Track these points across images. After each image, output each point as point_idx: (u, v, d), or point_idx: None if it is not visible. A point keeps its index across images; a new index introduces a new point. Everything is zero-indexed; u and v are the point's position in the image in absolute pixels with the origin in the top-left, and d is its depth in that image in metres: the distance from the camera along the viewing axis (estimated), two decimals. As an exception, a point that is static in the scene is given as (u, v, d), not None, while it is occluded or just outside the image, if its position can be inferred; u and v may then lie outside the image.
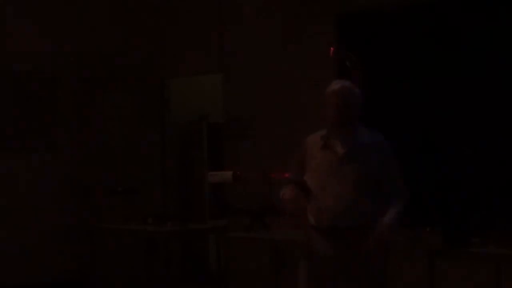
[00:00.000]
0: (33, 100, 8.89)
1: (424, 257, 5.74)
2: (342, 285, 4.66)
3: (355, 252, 4.62)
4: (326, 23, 7.41)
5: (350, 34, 7.22)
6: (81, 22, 8.93)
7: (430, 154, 6.75)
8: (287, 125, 7.65)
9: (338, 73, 7.04)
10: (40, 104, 8.91)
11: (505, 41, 6.43)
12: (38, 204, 8.76)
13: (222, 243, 7.37)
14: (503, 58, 6.46)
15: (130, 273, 8.56)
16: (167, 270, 8.23)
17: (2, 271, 8.48)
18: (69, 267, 8.81)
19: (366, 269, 4.63)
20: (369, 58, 6.69)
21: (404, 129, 6.90)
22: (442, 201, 6.44)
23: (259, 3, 8.04)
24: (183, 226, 7.37)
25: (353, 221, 4.61)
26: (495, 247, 5.46)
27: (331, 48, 6.75)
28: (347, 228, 4.61)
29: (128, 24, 8.94)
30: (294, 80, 7.65)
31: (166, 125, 9.03)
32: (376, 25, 7.10)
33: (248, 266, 7.75)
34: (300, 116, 7.53)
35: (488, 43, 6.49)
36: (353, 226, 4.61)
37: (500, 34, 6.45)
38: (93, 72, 8.99)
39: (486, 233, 5.58)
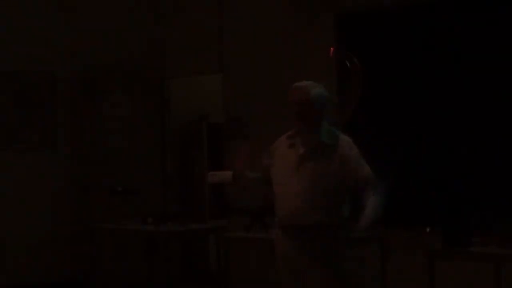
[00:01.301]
0: (33, 100, 8.88)
1: (424, 257, 5.74)
2: (303, 284, 4.68)
3: (314, 250, 4.65)
4: (326, 23, 7.41)
5: (350, 34, 7.22)
6: (81, 22, 8.92)
7: (430, 154, 6.75)
8: (287, 125, 7.63)
9: (338, 73, 7.05)
10: (40, 104, 8.90)
11: (505, 41, 6.43)
12: (38, 204, 8.76)
13: (222, 243, 7.36)
14: (503, 58, 6.46)
15: (130, 273, 8.56)
16: (167, 270, 8.22)
17: (2, 271, 8.48)
18: (69, 267, 8.80)
19: (325, 267, 4.65)
20: (369, 58, 6.69)
21: (404, 129, 6.90)
22: (442, 201, 6.44)
23: (259, 3, 8.04)
24: (183, 226, 7.36)
25: (309, 219, 4.64)
26: (495, 247, 5.47)
27: (331, 48, 6.75)
28: (305, 226, 4.65)
29: (128, 24, 8.94)
30: (294, 80, 7.62)
31: (166, 125, 9.03)
32: (376, 25, 7.10)
33: (248, 266, 7.75)
34: (300, 116, 7.51)
35: (488, 43, 6.49)
36: (311, 223, 4.64)
37: (500, 34, 6.45)
38: (93, 72, 8.98)
39: (486, 233, 5.58)
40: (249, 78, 8.03)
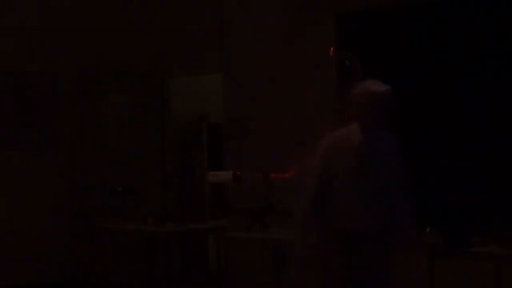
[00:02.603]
0: (33, 100, 8.88)
1: (424, 257, 5.74)
2: None
3: (378, 257, 4.50)
4: (326, 23, 7.41)
5: (350, 34, 7.22)
6: (82, 22, 8.93)
7: (430, 154, 6.75)
8: (287, 125, 7.65)
9: (338, 73, 7.05)
10: (40, 104, 8.90)
11: (505, 40, 6.43)
12: (38, 204, 8.76)
13: (222, 243, 7.37)
14: (503, 57, 6.46)
15: (130, 273, 8.56)
16: (167, 270, 8.22)
17: (2, 271, 8.48)
18: (69, 267, 8.81)
19: (379, 275, 4.53)
20: (369, 58, 6.69)
21: (404, 129, 6.89)
22: (442, 201, 6.44)
23: (260, 3, 8.04)
24: (183, 226, 7.37)
25: (377, 226, 4.48)
26: (495, 247, 5.47)
27: (331, 48, 6.75)
28: (371, 233, 4.47)
29: (128, 24, 8.94)
30: (294, 80, 7.65)
31: (166, 125, 9.03)
32: (376, 25, 7.10)
33: (248, 266, 7.75)
34: (300, 116, 7.53)
35: (488, 43, 6.49)
36: (377, 230, 4.48)
37: (500, 34, 6.45)
38: (93, 72, 8.98)
39: (486, 233, 5.58)
40: (249, 78, 8.02)
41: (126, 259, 8.60)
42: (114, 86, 9.03)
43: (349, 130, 4.66)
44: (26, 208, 8.70)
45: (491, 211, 6.24)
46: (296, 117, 7.56)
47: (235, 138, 8.14)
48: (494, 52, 6.48)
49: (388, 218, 4.51)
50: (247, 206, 6.87)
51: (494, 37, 6.48)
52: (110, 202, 8.43)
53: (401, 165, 4.66)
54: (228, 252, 7.03)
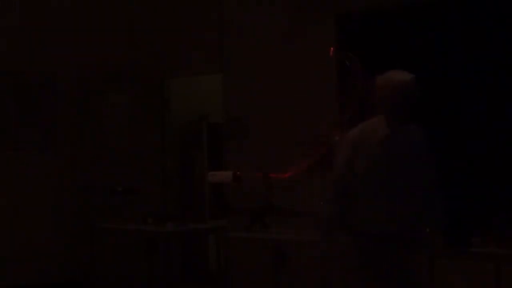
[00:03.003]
0: (33, 100, 8.88)
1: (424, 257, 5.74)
2: None
3: (402, 259, 4.30)
4: (326, 23, 7.41)
5: (350, 34, 7.22)
6: (81, 22, 8.92)
7: (429, 153, 6.74)
8: (287, 125, 7.65)
9: (338, 73, 7.05)
10: (40, 104, 8.90)
11: (505, 40, 6.43)
12: (38, 204, 8.76)
13: (222, 243, 7.37)
14: (503, 57, 6.46)
15: (130, 273, 8.56)
16: (167, 270, 8.22)
17: (2, 271, 8.48)
18: (69, 267, 8.81)
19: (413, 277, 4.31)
20: (369, 58, 6.68)
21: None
22: (442, 201, 6.43)
23: (259, 3, 8.04)
24: (183, 226, 7.36)
25: (404, 227, 4.25)
26: (495, 247, 5.47)
27: (331, 48, 6.75)
28: (397, 234, 4.26)
29: (128, 24, 8.94)
30: (294, 80, 7.65)
31: (166, 125, 9.03)
32: (376, 25, 7.10)
33: (248, 266, 7.75)
34: (301, 116, 7.53)
35: (488, 43, 6.49)
36: (403, 232, 4.26)
37: (500, 34, 6.45)
38: (93, 72, 8.98)
39: (486, 233, 5.57)
40: (249, 78, 8.02)
41: (126, 259, 8.59)
42: (114, 86, 9.03)
43: (373, 123, 4.43)
44: (26, 208, 8.69)
45: (491, 211, 6.24)
46: (296, 117, 7.56)
47: (235, 138, 8.14)
48: (494, 52, 6.48)
49: (416, 218, 4.30)
50: (247, 206, 6.87)
51: (494, 37, 6.48)
52: (110, 202, 8.43)
53: (431, 160, 4.42)
54: (228, 252, 7.03)
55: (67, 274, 8.80)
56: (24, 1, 8.83)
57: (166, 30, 8.78)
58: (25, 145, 8.83)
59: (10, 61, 8.71)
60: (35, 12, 8.83)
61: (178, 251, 8.91)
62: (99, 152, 9.00)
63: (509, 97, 6.42)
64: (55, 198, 8.84)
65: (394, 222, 4.23)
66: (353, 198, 4.28)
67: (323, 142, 6.16)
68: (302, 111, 7.52)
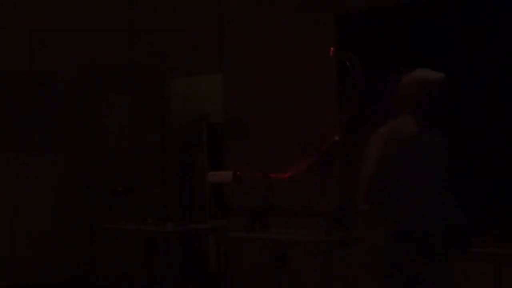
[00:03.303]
0: (33, 100, 8.88)
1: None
2: None
3: (436, 259, 4.24)
4: (326, 23, 7.41)
5: (350, 34, 7.22)
6: (81, 23, 8.93)
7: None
8: (287, 125, 7.65)
9: (338, 73, 7.05)
10: (40, 104, 8.91)
11: (505, 40, 6.43)
12: (38, 204, 8.76)
13: (222, 243, 7.37)
14: (503, 57, 6.46)
15: (130, 273, 8.56)
16: (167, 270, 8.22)
17: (2, 271, 8.48)
18: (69, 267, 8.81)
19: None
20: (369, 58, 6.69)
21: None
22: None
23: (259, 3, 8.04)
24: (183, 226, 7.36)
25: (435, 226, 4.20)
26: (495, 247, 5.46)
27: (331, 48, 6.75)
28: (439, 235, 4.22)
29: (128, 24, 8.94)
30: (294, 80, 7.65)
31: (166, 125, 9.03)
32: (376, 25, 7.10)
33: (248, 266, 7.75)
34: (301, 116, 7.53)
35: (488, 43, 6.49)
36: (435, 231, 4.22)
37: (500, 34, 6.45)
38: (93, 72, 8.99)
39: (486, 233, 5.57)
40: (249, 78, 8.02)
41: (126, 259, 8.60)
42: (114, 86, 9.03)
43: (402, 122, 4.36)
44: (26, 208, 8.70)
45: (491, 211, 6.24)
46: (296, 117, 7.56)
47: (235, 138, 8.14)
48: (495, 52, 6.48)
49: (445, 217, 4.26)
50: (247, 206, 6.87)
51: (494, 37, 6.47)
52: (110, 202, 8.43)
53: (446, 162, 4.40)
54: (228, 252, 7.02)
55: (67, 274, 8.81)
56: (24, 1, 8.83)
57: (166, 30, 8.78)
58: (25, 145, 8.83)
59: (10, 61, 8.71)
60: (35, 12, 8.83)
61: (178, 251, 8.91)
62: (99, 152, 9.00)
63: (509, 97, 6.42)
64: (55, 198, 8.84)
65: (427, 221, 4.19)
66: (385, 196, 4.20)
67: (323, 142, 6.15)
68: (302, 111, 7.52)
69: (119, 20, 8.94)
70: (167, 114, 9.04)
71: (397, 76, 4.62)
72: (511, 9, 6.42)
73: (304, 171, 6.33)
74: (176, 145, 9.23)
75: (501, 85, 6.46)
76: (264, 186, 6.55)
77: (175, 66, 8.82)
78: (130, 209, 8.09)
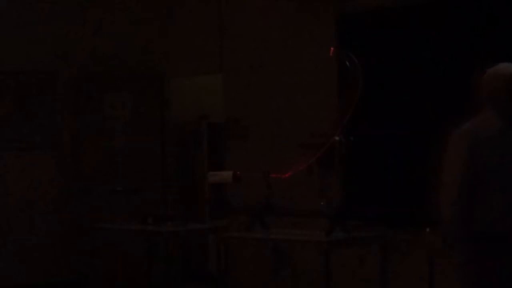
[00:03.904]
0: (33, 100, 8.88)
1: (424, 257, 5.74)
2: None
3: None
4: (326, 23, 7.41)
5: (350, 34, 7.22)
6: (81, 23, 8.93)
7: (430, 154, 6.74)
8: (287, 125, 7.65)
9: (338, 73, 7.05)
10: (40, 104, 8.90)
11: (504, 40, 6.43)
12: (38, 204, 8.76)
13: (222, 243, 7.36)
14: (503, 57, 6.45)
15: (130, 273, 8.56)
16: (167, 270, 8.22)
17: (2, 271, 8.48)
18: (69, 267, 8.80)
19: None
20: (369, 58, 6.68)
21: (404, 129, 6.89)
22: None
23: (259, 3, 8.04)
24: (183, 226, 7.36)
25: None
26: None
27: (331, 48, 6.74)
28: None
29: (128, 24, 8.94)
30: (294, 80, 7.65)
31: (166, 125, 9.03)
32: (376, 25, 7.10)
33: (248, 266, 7.75)
34: (301, 116, 7.53)
35: (488, 43, 6.49)
36: None
37: (500, 34, 6.45)
38: (93, 72, 8.98)
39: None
40: (249, 78, 8.03)
41: (126, 259, 8.59)
42: (114, 86, 9.03)
43: (485, 119, 4.20)
44: (26, 208, 8.69)
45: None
46: (296, 117, 7.56)
47: (235, 138, 8.14)
48: (495, 52, 6.48)
49: None
50: (247, 206, 6.87)
51: (494, 37, 6.47)
52: (110, 202, 8.42)
53: None
54: (228, 252, 7.01)
55: (67, 274, 8.80)
56: (24, 1, 8.82)
57: (166, 30, 8.78)
58: (26, 145, 8.83)
59: (10, 61, 8.71)
60: (35, 12, 8.82)
61: (178, 251, 8.91)
62: (99, 152, 8.99)
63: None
64: (55, 198, 8.84)
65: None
66: (473, 198, 4.03)
67: (323, 142, 6.15)
68: (302, 111, 7.52)
69: (119, 20, 8.94)
70: (167, 114, 9.04)
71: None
72: (511, 9, 6.42)
73: (304, 171, 6.32)
74: (176, 145, 9.23)
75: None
76: (264, 186, 6.55)
77: (175, 66, 8.82)
78: (130, 209, 8.09)
